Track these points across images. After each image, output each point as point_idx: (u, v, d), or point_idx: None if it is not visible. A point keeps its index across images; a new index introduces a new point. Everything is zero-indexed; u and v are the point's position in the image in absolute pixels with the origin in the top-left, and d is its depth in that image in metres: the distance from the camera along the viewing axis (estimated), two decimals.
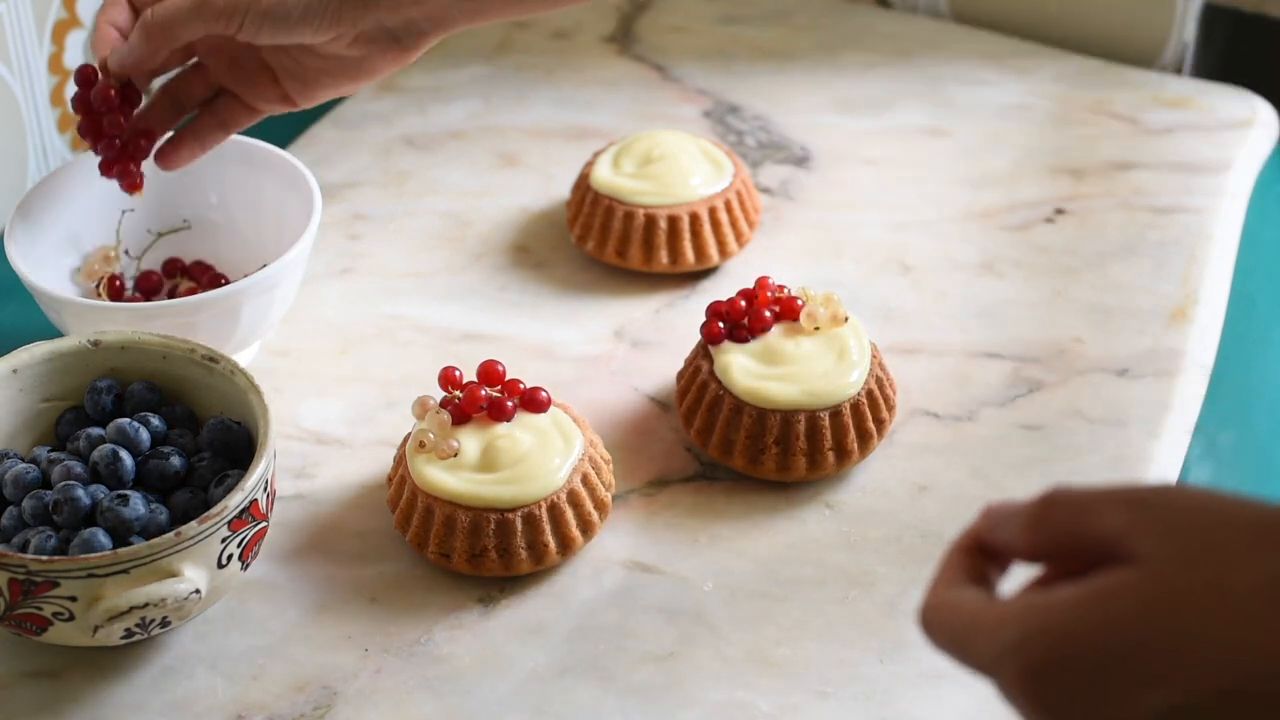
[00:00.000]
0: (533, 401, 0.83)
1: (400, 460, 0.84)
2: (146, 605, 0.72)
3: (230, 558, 0.75)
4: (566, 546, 0.81)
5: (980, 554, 0.56)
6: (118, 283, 0.93)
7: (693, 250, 0.99)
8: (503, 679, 0.77)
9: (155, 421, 0.80)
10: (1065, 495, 0.53)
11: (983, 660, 0.53)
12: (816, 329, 0.88)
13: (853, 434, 0.85)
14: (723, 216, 0.99)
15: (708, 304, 0.89)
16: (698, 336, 0.89)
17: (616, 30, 1.23)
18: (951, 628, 0.54)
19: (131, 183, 0.88)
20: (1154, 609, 0.49)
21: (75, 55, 1.09)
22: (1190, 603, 0.49)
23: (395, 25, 0.83)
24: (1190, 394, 0.92)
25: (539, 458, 0.81)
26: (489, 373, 0.84)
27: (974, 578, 0.56)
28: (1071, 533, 0.53)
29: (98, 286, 0.93)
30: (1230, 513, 0.50)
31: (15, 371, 0.81)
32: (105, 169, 0.88)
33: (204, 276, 0.96)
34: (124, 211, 0.96)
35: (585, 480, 0.82)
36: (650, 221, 0.98)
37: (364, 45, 0.84)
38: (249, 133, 0.97)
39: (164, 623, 0.74)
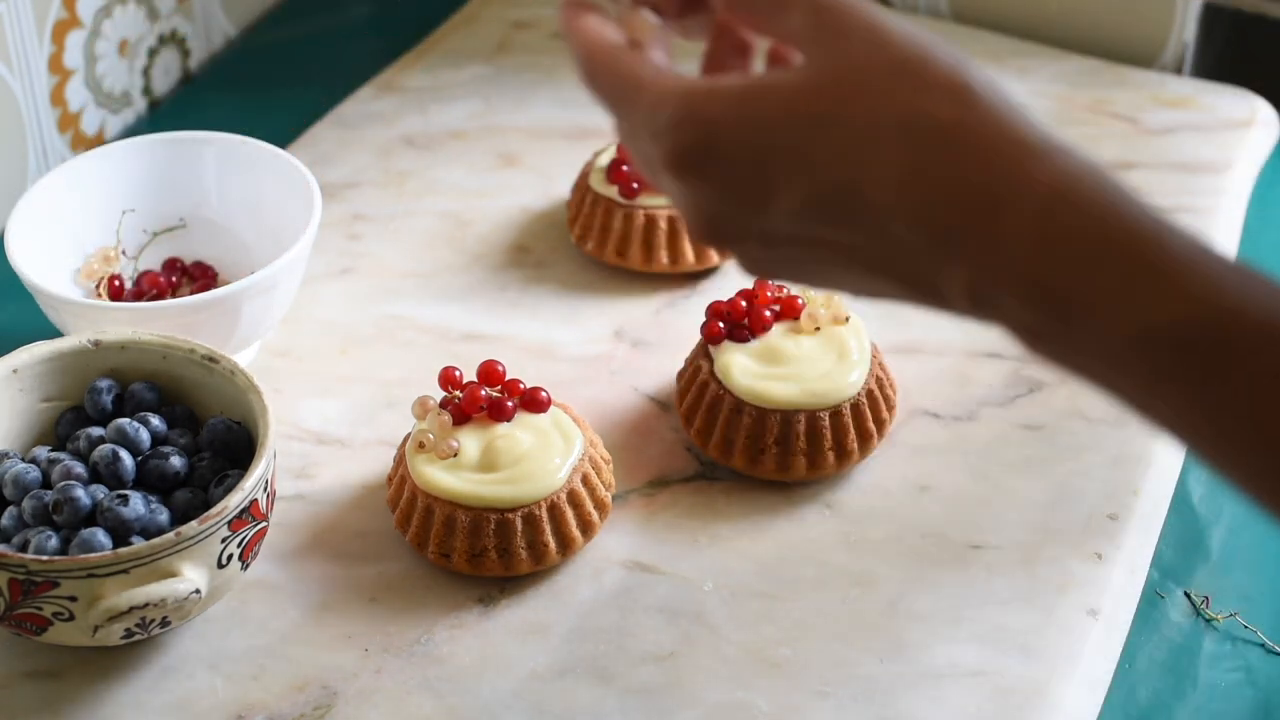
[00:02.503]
0: (533, 401, 0.83)
1: (400, 460, 0.84)
2: (146, 605, 0.72)
3: (230, 558, 0.75)
4: (566, 546, 0.81)
5: None
6: (117, 283, 0.93)
7: (693, 250, 0.99)
8: (503, 679, 0.77)
9: (155, 421, 0.80)
10: None
11: (636, 129, 0.57)
12: (817, 329, 0.88)
13: (853, 434, 0.85)
14: None
15: (708, 304, 0.89)
16: (698, 336, 0.89)
17: None
18: (614, 84, 0.58)
19: None
20: (797, 111, 0.54)
21: (75, 55, 1.09)
22: (827, 114, 0.53)
23: None
24: None
25: (539, 458, 0.81)
26: (489, 373, 0.84)
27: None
28: (763, 20, 0.57)
29: (98, 286, 0.93)
30: (890, 43, 0.54)
31: (15, 371, 0.81)
32: None
33: (204, 277, 0.96)
34: (124, 212, 0.96)
35: (585, 480, 0.82)
36: (650, 221, 0.98)
37: None
38: (249, 132, 0.97)
39: (164, 623, 0.74)
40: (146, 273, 0.96)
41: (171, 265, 0.97)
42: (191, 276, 0.96)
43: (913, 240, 0.53)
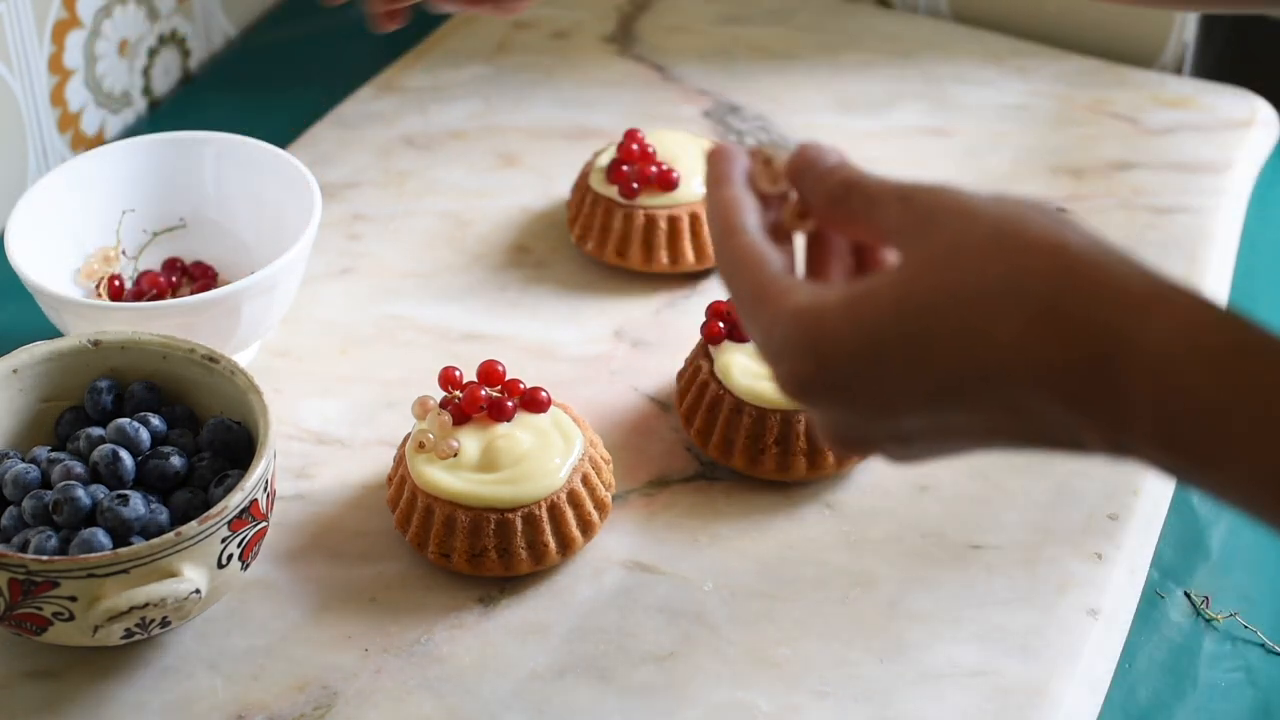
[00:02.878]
0: (533, 401, 0.83)
1: (400, 460, 0.84)
2: (146, 605, 0.72)
3: (230, 558, 0.75)
4: (566, 546, 0.81)
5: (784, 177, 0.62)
6: (118, 283, 0.93)
7: (693, 250, 0.99)
8: (503, 679, 0.77)
9: (155, 421, 0.80)
10: (861, 185, 0.59)
11: (755, 335, 0.58)
12: None
13: None
14: None
15: (708, 304, 0.89)
16: (698, 336, 0.89)
17: (616, 30, 1.23)
18: (741, 289, 0.59)
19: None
20: (904, 305, 0.54)
21: (75, 55, 1.09)
22: (932, 301, 0.54)
23: None
24: None
25: (539, 458, 0.81)
26: (489, 373, 0.84)
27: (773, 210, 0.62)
28: (860, 221, 0.58)
29: (98, 286, 0.93)
30: (980, 216, 0.54)
31: (15, 371, 0.81)
32: None
33: (204, 277, 0.96)
34: (124, 212, 0.96)
35: (585, 480, 0.82)
36: (650, 221, 0.98)
37: None
38: (248, 133, 0.97)
39: (164, 623, 0.74)
40: (146, 273, 0.96)
41: (171, 265, 0.97)
42: (191, 276, 0.96)
43: (1042, 406, 0.53)
